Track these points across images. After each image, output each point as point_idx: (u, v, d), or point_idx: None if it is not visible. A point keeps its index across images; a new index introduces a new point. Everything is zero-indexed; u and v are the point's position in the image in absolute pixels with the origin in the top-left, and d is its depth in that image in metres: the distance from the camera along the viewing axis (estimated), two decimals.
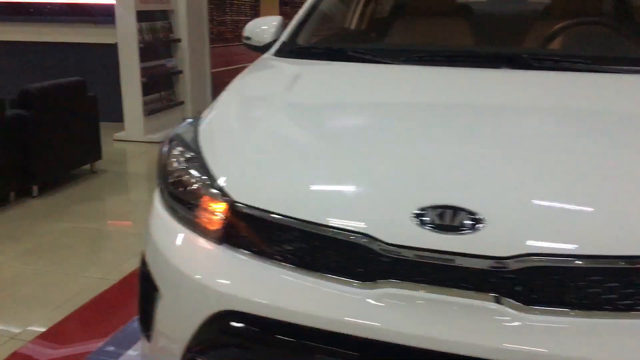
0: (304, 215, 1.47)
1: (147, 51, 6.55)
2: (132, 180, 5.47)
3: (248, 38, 2.80)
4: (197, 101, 7.51)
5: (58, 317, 2.94)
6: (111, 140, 6.57)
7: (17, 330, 2.83)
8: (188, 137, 1.87)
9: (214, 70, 7.76)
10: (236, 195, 1.56)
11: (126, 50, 6.41)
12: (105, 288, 3.22)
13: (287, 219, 1.49)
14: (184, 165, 1.77)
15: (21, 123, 4.55)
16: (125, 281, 3.29)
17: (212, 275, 1.53)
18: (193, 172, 1.72)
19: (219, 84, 7.77)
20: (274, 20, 2.77)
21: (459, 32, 2.81)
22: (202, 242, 1.61)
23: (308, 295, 1.44)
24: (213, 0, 7.50)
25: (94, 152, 5.41)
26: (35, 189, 4.72)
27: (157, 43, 6.81)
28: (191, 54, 7.28)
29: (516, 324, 1.31)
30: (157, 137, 6.62)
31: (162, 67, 6.96)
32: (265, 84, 2.29)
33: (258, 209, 1.52)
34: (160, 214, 1.78)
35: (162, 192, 1.84)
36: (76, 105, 5.13)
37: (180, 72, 7.23)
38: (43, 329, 2.82)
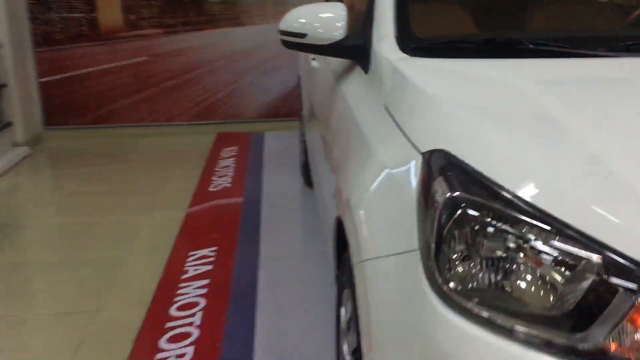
0: None
1: None
2: None
3: (301, 35, 1.99)
4: (28, 120, 6.02)
5: None
6: None
7: None
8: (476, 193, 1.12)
9: (43, 79, 6.27)
10: None
11: None
12: None
13: None
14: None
15: None
16: None
17: None
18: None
19: (51, 97, 6.29)
20: (337, 11, 1.99)
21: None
22: None
23: None
24: None
25: None
26: None
27: None
28: (15, 62, 5.78)
29: None
30: None
31: None
32: (489, 99, 1.56)
33: None
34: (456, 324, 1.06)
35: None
36: None
37: (4, 85, 5.69)
38: None
